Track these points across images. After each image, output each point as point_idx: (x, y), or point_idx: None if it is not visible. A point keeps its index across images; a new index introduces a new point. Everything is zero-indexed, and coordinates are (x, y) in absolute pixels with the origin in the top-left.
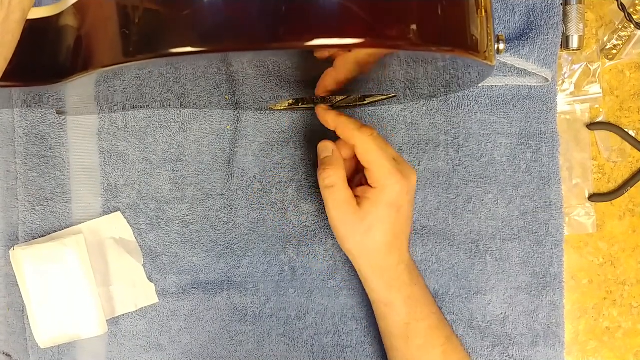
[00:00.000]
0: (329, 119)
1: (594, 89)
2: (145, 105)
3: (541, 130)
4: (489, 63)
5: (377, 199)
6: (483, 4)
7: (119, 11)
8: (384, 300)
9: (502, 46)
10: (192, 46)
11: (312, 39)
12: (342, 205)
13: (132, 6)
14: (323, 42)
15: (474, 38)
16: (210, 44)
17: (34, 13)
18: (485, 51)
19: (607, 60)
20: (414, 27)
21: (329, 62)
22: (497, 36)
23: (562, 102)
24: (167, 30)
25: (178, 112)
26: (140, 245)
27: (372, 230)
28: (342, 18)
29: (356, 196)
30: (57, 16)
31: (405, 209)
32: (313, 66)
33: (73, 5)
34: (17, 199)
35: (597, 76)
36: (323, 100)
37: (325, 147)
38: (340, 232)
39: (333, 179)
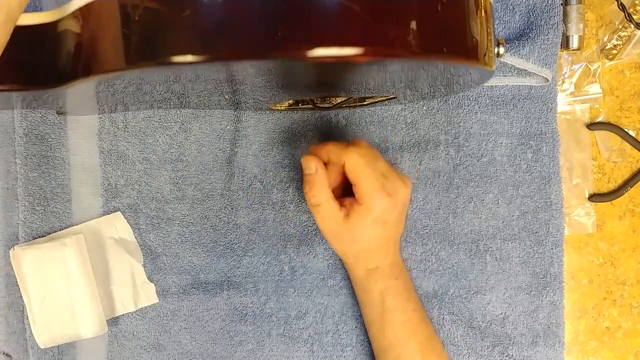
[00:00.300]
0: (320, 153)
1: (594, 89)
2: (145, 105)
3: (541, 130)
4: (489, 69)
5: (363, 214)
6: (483, 11)
7: (121, 20)
8: (364, 288)
9: (502, 50)
10: (193, 55)
11: (312, 49)
12: (329, 220)
13: (134, 16)
14: (323, 52)
15: (474, 46)
16: (211, 53)
17: (33, 19)
18: (485, 57)
19: (607, 60)
20: (414, 37)
21: (331, 66)
22: (497, 40)
23: (562, 102)
24: (168, 39)
25: (178, 112)
26: (140, 245)
27: (359, 240)
28: (342, 29)
29: (344, 206)
30: (57, 22)
31: (392, 222)
32: (314, 70)
33: (73, 13)
34: (17, 199)
35: (597, 76)
36: (323, 101)
37: (308, 165)
38: (329, 239)
39: (318, 198)
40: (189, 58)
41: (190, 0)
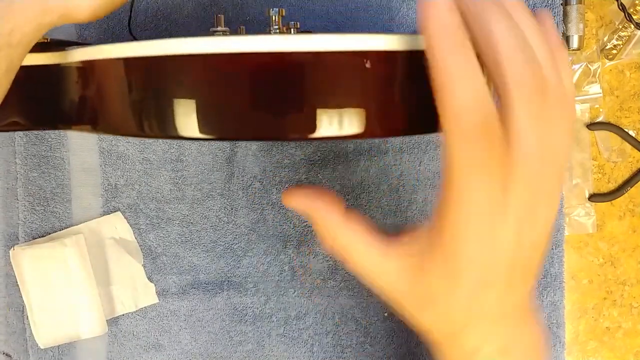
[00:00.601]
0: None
1: (594, 89)
2: None
3: None
4: None
5: (444, 270)
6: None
7: (128, 89)
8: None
9: None
10: (201, 133)
11: (312, 133)
12: (366, 272)
13: (140, 89)
14: (323, 134)
15: None
16: (218, 133)
17: (38, 59)
18: None
19: (607, 60)
20: (417, 116)
21: None
22: None
23: None
24: (174, 115)
25: None
26: (140, 245)
27: (442, 304)
28: (342, 112)
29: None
30: (60, 64)
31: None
32: None
33: (78, 62)
34: (17, 199)
35: (597, 76)
36: None
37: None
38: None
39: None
40: (197, 135)
41: (192, 85)
